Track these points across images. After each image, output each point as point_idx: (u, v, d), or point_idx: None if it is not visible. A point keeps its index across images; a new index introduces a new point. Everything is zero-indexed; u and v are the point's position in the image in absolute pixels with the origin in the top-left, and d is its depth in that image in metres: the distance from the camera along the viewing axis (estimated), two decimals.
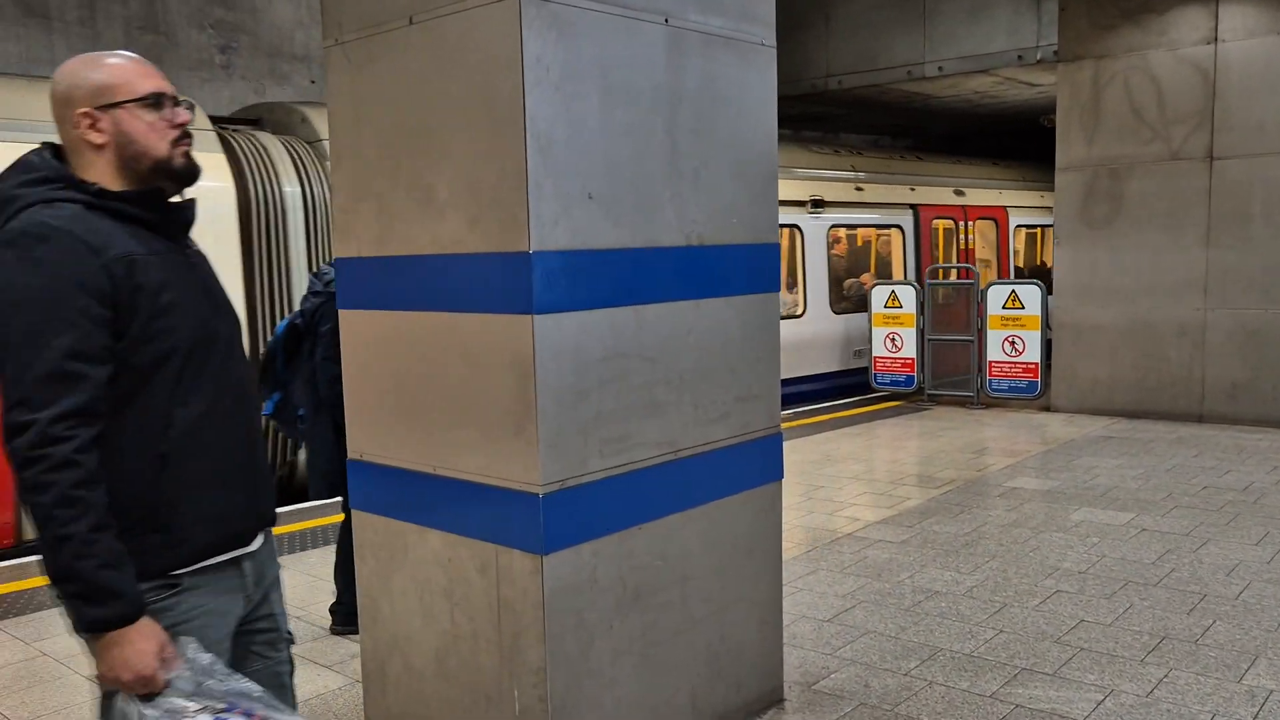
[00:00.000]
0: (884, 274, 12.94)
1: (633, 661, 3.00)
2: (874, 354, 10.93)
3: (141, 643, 1.76)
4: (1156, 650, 4.00)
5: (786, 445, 3.67)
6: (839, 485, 6.98)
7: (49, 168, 1.89)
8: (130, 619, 1.75)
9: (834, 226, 12.01)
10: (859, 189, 12.31)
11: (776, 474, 3.53)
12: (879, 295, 10.89)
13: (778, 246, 3.48)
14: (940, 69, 11.47)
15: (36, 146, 1.96)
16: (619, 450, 2.91)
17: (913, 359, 10.66)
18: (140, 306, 1.81)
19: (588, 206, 2.78)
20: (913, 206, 13.10)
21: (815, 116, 14.54)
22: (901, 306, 10.70)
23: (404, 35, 2.89)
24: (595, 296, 2.81)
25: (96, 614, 1.73)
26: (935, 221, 13.49)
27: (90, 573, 1.71)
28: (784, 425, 3.60)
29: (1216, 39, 8.82)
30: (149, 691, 1.78)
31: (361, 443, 3.23)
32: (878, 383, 10.96)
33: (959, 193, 13.94)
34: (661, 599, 3.09)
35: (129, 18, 9.48)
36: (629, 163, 2.89)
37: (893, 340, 10.78)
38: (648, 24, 2.92)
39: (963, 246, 14.04)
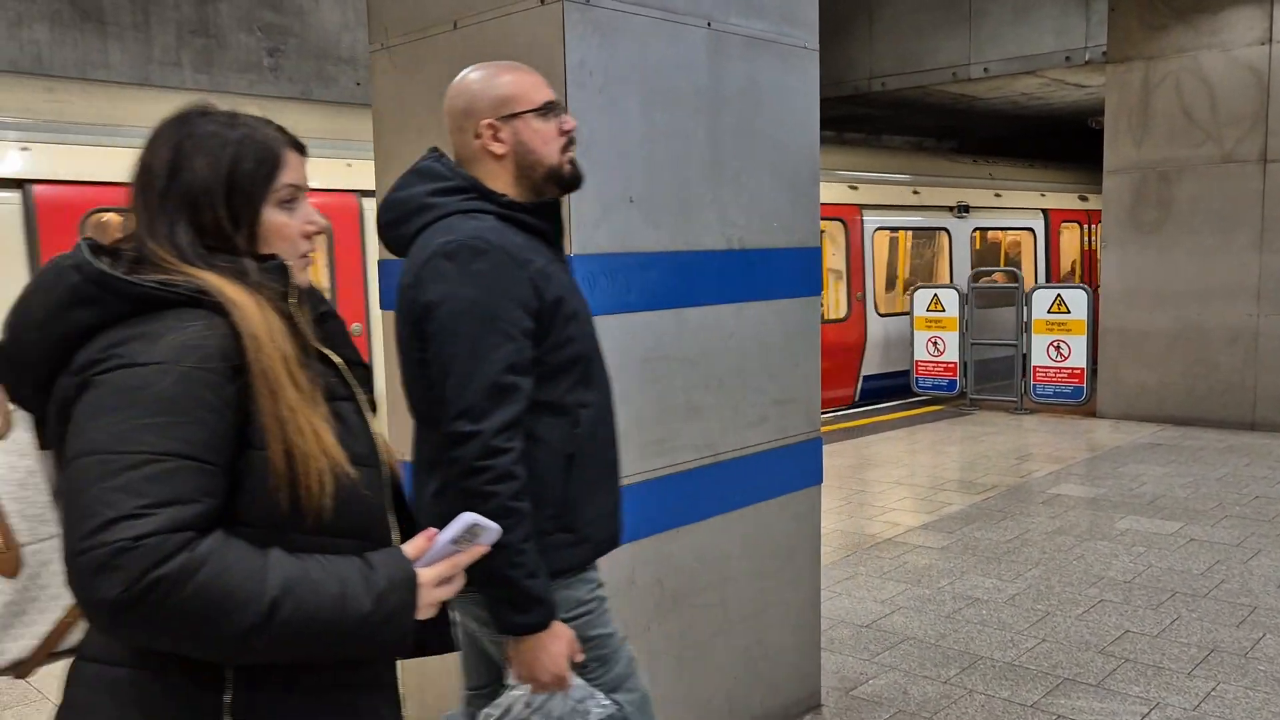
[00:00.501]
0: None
1: (670, 663, 3.01)
2: (915, 358, 10.84)
3: (554, 645, 1.85)
4: (1204, 663, 3.93)
5: (826, 449, 3.66)
6: (879, 490, 6.93)
7: (459, 177, 1.94)
8: (546, 624, 1.83)
9: (976, 229, 12.77)
10: (998, 195, 13.18)
11: (816, 478, 3.51)
12: (921, 298, 10.80)
13: (819, 250, 3.46)
14: (986, 70, 11.33)
15: (432, 152, 2.01)
16: (658, 453, 2.91)
17: (955, 363, 10.56)
18: (556, 316, 1.88)
19: (628, 210, 2.78)
20: (1044, 211, 13.85)
21: (858, 118, 14.45)
22: (944, 310, 10.60)
23: (448, 40, 2.92)
24: (635, 299, 2.82)
25: (520, 620, 1.82)
26: (1063, 225, 14.27)
27: (519, 581, 1.78)
28: (824, 429, 3.59)
29: (1271, 39, 8.62)
30: (560, 690, 1.87)
31: (404, 444, 3.25)
32: (919, 386, 10.86)
33: (1083, 198, 14.59)
34: (699, 602, 3.09)
35: (181, 21, 9.66)
36: (670, 166, 2.90)
37: (934, 344, 10.68)
38: (690, 28, 2.93)
39: (1085, 248, 14.64)
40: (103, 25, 9.19)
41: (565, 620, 1.90)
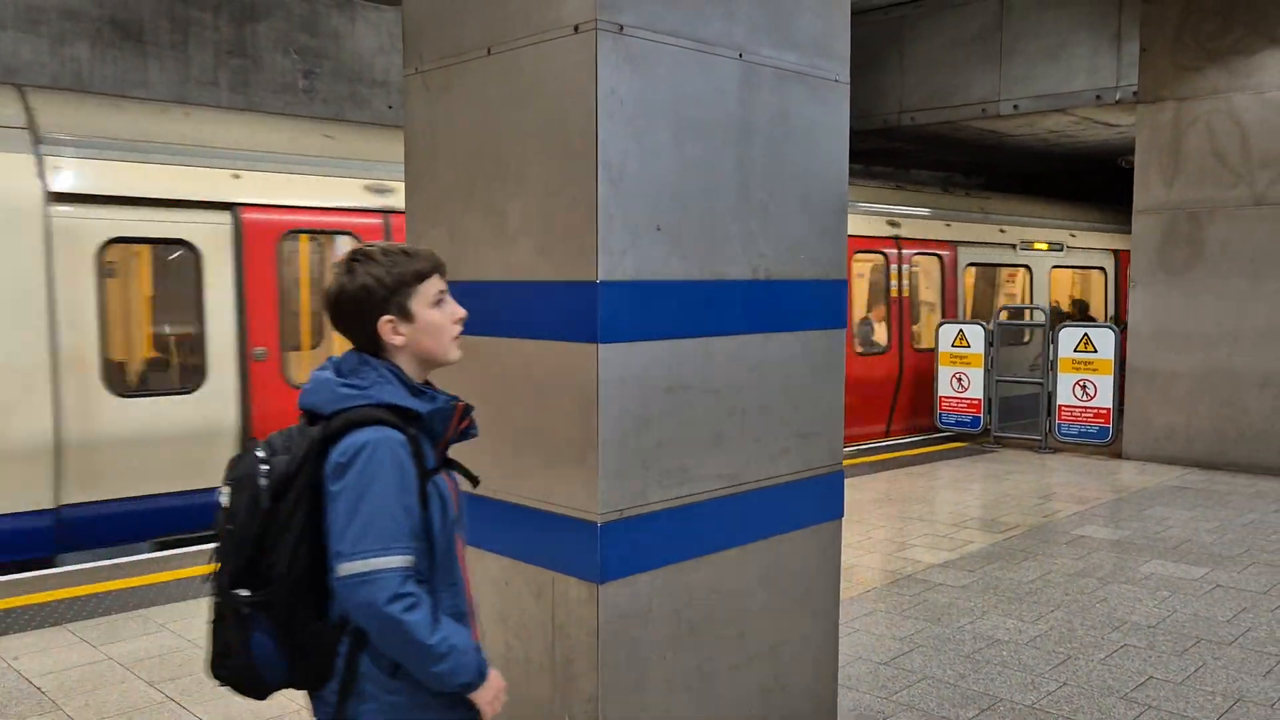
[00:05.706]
0: (1081, 307, 14.89)
1: (686, 695, 2.98)
2: (939, 393, 10.77)
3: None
4: (1230, 713, 3.85)
5: (847, 484, 3.63)
6: (900, 526, 6.86)
7: None
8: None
9: (1055, 267, 13.99)
10: (1073, 235, 14.44)
11: (837, 512, 3.48)
12: (946, 334, 10.75)
13: (845, 282, 3.45)
14: (1016, 107, 11.33)
15: None
16: (679, 482, 2.90)
17: (979, 400, 10.48)
18: None
19: (656, 238, 2.79)
20: (1114, 251, 14.94)
21: (887, 152, 14.47)
22: (969, 346, 10.54)
23: (482, 65, 2.95)
24: (660, 327, 2.82)
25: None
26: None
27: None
28: (845, 463, 3.56)
29: None
30: None
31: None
32: (942, 423, 10.78)
33: None
34: (716, 633, 3.06)
35: (219, 42, 9.82)
36: (698, 196, 2.91)
37: (959, 380, 10.61)
38: (722, 59, 2.94)
39: None
40: (141, 45, 9.35)
41: None
